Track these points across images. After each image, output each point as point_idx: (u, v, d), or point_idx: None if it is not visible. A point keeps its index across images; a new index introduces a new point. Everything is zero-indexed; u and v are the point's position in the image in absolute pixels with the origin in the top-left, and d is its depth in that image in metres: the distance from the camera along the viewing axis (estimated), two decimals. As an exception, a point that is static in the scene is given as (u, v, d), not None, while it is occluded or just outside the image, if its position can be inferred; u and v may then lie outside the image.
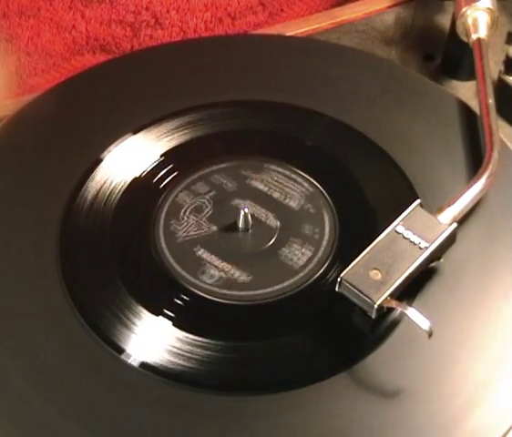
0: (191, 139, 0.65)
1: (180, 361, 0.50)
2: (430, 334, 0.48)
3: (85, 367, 0.50)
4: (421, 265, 0.52)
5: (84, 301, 0.53)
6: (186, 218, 0.59)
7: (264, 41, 0.76)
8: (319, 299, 0.55)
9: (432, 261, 0.54)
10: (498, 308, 0.53)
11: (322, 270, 0.56)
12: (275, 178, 0.62)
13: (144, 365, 0.50)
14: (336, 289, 0.52)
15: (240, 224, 0.58)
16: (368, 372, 0.50)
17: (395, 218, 0.55)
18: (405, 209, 0.55)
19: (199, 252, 0.57)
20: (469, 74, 0.72)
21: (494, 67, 0.70)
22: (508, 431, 0.47)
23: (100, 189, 0.60)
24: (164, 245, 0.57)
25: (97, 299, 0.54)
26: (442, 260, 0.54)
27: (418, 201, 0.56)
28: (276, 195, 0.61)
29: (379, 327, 0.52)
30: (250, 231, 0.58)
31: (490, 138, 0.60)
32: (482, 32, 0.69)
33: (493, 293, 0.54)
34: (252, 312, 0.54)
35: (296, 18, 0.85)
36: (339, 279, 0.51)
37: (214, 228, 0.58)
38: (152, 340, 0.52)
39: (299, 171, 0.62)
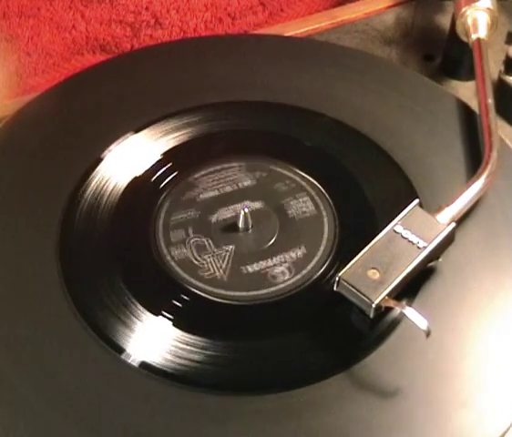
0: (191, 139, 0.65)
1: (180, 361, 0.50)
2: (428, 334, 0.48)
3: (85, 367, 0.50)
4: (419, 265, 0.52)
5: (84, 301, 0.53)
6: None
7: (264, 41, 0.76)
8: (319, 299, 0.55)
9: (430, 261, 0.54)
10: (498, 307, 0.53)
11: (321, 270, 0.56)
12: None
13: (144, 365, 0.50)
14: (334, 288, 0.52)
15: (240, 224, 0.58)
16: (367, 372, 0.50)
17: (395, 218, 0.55)
18: (404, 209, 0.55)
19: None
20: (469, 74, 0.72)
21: (494, 67, 0.70)
22: (507, 430, 0.47)
23: (100, 189, 0.60)
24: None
25: (97, 299, 0.54)
26: (440, 260, 0.55)
27: (417, 201, 0.56)
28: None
29: (378, 327, 0.52)
30: (249, 231, 0.58)
31: (489, 138, 0.60)
32: (482, 32, 0.69)
33: (492, 292, 0.54)
34: (252, 312, 0.54)
35: (296, 18, 0.85)
36: (337, 279, 0.52)
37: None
38: (152, 340, 0.52)
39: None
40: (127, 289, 0.54)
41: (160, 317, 0.53)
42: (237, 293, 0.54)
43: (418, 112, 0.66)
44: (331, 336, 0.52)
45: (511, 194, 0.60)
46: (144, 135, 0.65)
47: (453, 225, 0.55)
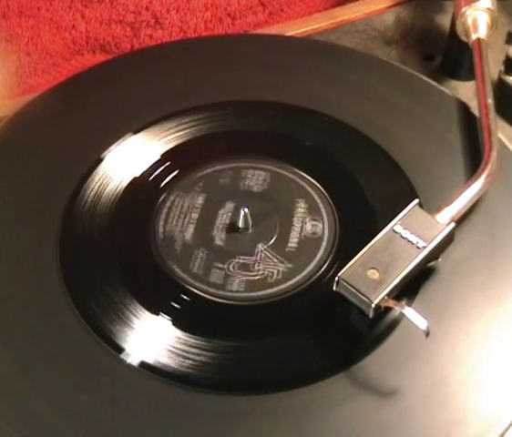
0: (191, 139, 0.65)
1: (180, 361, 0.50)
2: (427, 334, 0.48)
3: (85, 367, 0.50)
4: (419, 265, 0.52)
5: (84, 301, 0.54)
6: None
7: (264, 41, 0.76)
8: (319, 300, 0.55)
9: (430, 261, 0.54)
10: (497, 307, 0.53)
11: (321, 270, 0.56)
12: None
13: (144, 365, 0.50)
14: (334, 288, 0.52)
15: (241, 224, 0.58)
16: (367, 372, 0.50)
17: (394, 218, 0.55)
18: (404, 209, 0.55)
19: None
20: (469, 74, 0.72)
21: (494, 67, 0.70)
22: (507, 429, 0.47)
23: (100, 189, 0.60)
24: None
25: (97, 298, 0.54)
26: (440, 260, 0.55)
27: (416, 201, 0.56)
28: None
29: (378, 327, 0.52)
30: (250, 231, 0.58)
31: (489, 138, 0.60)
32: (482, 32, 0.69)
33: (491, 292, 0.54)
34: (252, 312, 0.54)
35: (296, 18, 0.85)
36: (336, 279, 0.52)
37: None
38: (152, 339, 0.52)
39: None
40: (126, 289, 0.54)
41: (160, 316, 0.53)
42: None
43: (418, 112, 0.66)
44: (330, 336, 0.52)
45: (511, 194, 0.60)
46: (144, 135, 0.65)
47: (452, 225, 0.55)
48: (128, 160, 0.63)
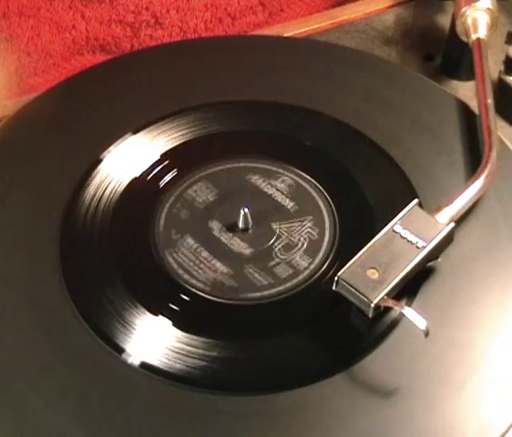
0: (191, 139, 0.65)
1: (180, 361, 0.50)
2: (427, 333, 0.48)
3: (85, 367, 0.50)
4: (418, 264, 0.53)
5: (84, 301, 0.54)
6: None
7: (264, 41, 0.76)
8: (318, 300, 0.55)
9: (429, 261, 0.54)
10: (497, 307, 0.53)
11: (321, 270, 0.56)
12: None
13: (144, 365, 0.50)
14: (333, 288, 0.52)
15: (241, 224, 0.58)
16: (367, 372, 0.50)
17: (394, 218, 0.55)
18: (404, 209, 0.55)
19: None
20: (469, 74, 0.72)
21: (494, 67, 0.70)
22: (507, 430, 0.47)
23: (100, 189, 0.60)
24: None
25: (97, 299, 0.54)
26: (439, 260, 0.55)
27: (416, 201, 0.56)
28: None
29: (378, 326, 0.52)
30: (249, 231, 0.58)
31: (489, 138, 0.60)
32: (482, 32, 0.69)
33: (491, 292, 0.54)
34: (252, 312, 0.54)
35: (296, 18, 0.85)
36: (336, 279, 0.52)
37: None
38: (152, 339, 0.52)
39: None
40: (126, 289, 0.54)
41: (160, 317, 0.53)
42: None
43: (418, 112, 0.66)
44: (330, 336, 0.52)
45: (511, 194, 0.60)
46: (143, 135, 0.65)
47: (452, 225, 0.55)
48: (127, 160, 0.63)
